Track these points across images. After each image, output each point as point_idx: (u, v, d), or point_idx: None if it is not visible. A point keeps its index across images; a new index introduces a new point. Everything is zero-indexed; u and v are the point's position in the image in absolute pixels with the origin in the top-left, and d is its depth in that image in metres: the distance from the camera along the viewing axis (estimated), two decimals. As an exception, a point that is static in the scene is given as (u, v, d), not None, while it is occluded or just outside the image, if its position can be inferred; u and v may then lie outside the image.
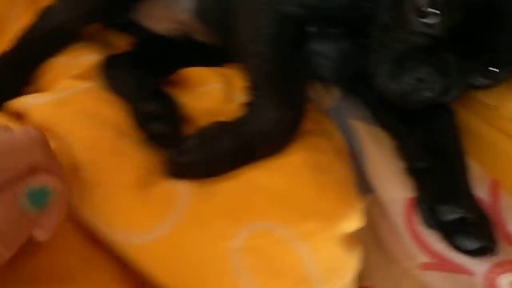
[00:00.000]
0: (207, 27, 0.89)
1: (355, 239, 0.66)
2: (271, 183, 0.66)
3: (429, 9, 0.65)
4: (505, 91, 0.75)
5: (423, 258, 0.68)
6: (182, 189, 0.64)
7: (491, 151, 0.75)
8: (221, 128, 0.69)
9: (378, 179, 0.74)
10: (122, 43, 0.89)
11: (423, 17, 0.66)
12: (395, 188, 0.72)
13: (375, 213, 0.72)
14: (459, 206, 0.68)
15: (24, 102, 0.72)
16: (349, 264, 0.65)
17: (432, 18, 0.65)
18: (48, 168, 0.54)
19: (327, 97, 0.83)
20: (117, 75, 0.79)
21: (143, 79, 0.79)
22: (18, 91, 0.77)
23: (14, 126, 0.68)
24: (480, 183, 0.72)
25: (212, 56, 0.86)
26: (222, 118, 0.70)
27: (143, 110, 0.71)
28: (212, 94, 0.78)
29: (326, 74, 0.81)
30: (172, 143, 0.68)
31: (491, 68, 0.67)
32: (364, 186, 0.74)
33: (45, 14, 0.83)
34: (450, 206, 0.68)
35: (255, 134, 0.69)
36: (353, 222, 0.66)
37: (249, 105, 0.72)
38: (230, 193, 0.64)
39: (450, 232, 0.68)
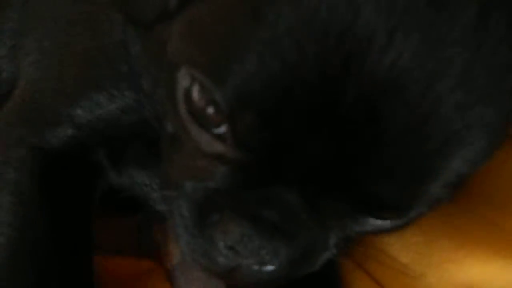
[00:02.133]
0: None
1: None
2: None
3: (209, 108, 0.38)
4: (438, 248, 0.48)
5: None
6: None
7: None
8: None
9: None
10: None
11: (207, 125, 0.39)
12: None
13: None
14: None
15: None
16: None
17: (220, 126, 0.38)
18: None
19: (175, 247, 0.57)
20: None
21: None
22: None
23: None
24: None
25: None
26: None
27: None
28: None
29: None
30: None
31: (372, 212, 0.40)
32: None
33: None
34: None
35: None
36: None
37: None
38: None
39: None
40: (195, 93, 0.39)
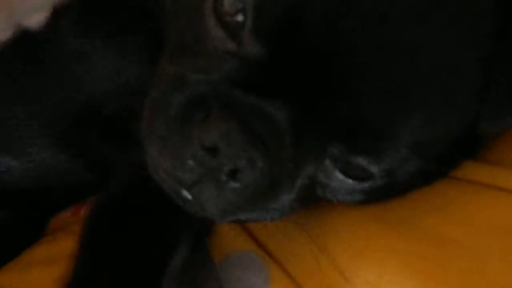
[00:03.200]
0: None
1: None
2: None
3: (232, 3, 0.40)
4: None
5: None
6: None
7: None
8: None
9: None
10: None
11: (227, 24, 0.41)
12: None
13: None
14: None
15: None
16: None
17: (237, 18, 0.41)
18: None
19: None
20: None
21: None
22: None
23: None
24: None
25: None
26: None
27: None
28: None
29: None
30: None
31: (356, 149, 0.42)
32: None
33: None
34: None
35: None
36: None
37: None
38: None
39: None
40: None
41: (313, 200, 0.46)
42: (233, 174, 0.40)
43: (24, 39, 0.55)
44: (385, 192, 0.47)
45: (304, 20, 0.39)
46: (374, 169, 0.43)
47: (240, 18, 0.41)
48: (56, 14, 0.56)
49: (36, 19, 0.57)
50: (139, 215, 0.52)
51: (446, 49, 0.42)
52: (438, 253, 0.47)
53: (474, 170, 0.51)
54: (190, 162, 0.40)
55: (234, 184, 0.40)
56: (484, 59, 0.44)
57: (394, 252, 0.46)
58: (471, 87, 0.44)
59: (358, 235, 0.48)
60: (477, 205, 0.49)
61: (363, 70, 0.40)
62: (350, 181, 0.44)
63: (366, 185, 0.45)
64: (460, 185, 0.51)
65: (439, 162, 0.47)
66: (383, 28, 0.40)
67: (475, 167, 0.51)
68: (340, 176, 0.44)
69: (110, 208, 0.53)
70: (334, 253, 0.47)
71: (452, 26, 0.42)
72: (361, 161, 0.43)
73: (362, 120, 0.41)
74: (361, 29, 0.39)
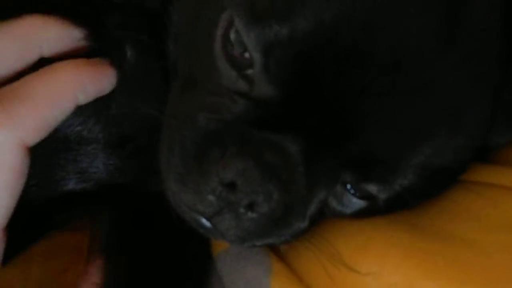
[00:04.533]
0: None
1: None
2: None
3: (241, 42, 0.41)
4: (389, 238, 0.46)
5: None
6: None
7: None
8: None
9: None
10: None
11: (237, 64, 0.42)
12: None
13: None
14: None
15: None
16: None
17: (249, 66, 0.42)
18: None
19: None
20: None
21: None
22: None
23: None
24: None
25: None
26: None
27: None
28: None
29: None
30: None
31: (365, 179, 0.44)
32: None
33: None
34: None
35: None
36: None
37: None
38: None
39: None
40: (232, 35, 0.42)
41: (321, 219, 0.48)
42: (251, 206, 0.41)
43: None
44: (397, 207, 0.48)
45: (317, 64, 0.40)
46: (382, 195, 0.46)
47: (247, 55, 0.42)
48: None
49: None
50: (149, 227, 0.55)
51: (458, 86, 0.43)
52: (441, 248, 0.47)
53: (477, 171, 0.52)
54: (210, 197, 0.41)
55: (252, 215, 0.42)
56: (494, 85, 0.46)
57: (397, 245, 0.47)
58: (481, 114, 0.46)
59: (362, 228, 0.48)
60: (481, 203, 0.50)
61: (374, 111, 0.41)
62: (361, 201, 0.47)
63: (377, 203, 0.47)
64: (464, 185, 0.52)
65: (450, 178, 0.49)
66: (397, 73, 0.40)
67: (478, 168, 0.52)
68: (351, 198, 0.46)
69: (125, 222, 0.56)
70: (337, 245, 0.47)
71: (464, 64, 0.43)
72: (371, 188, 0.45)
73: (372, 155, 0.42)
74: (375, 75, 0.40)
